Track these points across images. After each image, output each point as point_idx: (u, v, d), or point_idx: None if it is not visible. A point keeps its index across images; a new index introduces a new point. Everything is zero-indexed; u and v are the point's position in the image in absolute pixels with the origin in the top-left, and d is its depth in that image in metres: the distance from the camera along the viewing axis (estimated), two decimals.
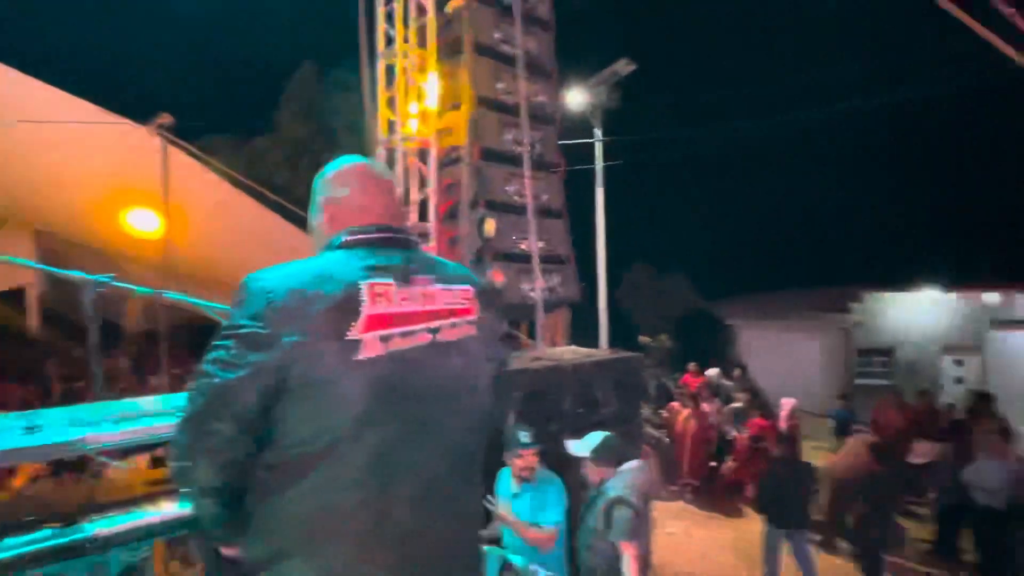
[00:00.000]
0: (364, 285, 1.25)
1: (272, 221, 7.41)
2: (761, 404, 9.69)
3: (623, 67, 10.76)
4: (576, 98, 11.22)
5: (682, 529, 7.45)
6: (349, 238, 1.35)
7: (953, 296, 13.88)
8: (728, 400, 10.33)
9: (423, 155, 5.56)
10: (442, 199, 5.42)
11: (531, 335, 5.85)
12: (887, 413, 8.86)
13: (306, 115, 16.01)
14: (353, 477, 1.20)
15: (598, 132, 13.72)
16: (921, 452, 7.46)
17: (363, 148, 5.94)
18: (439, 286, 1.39)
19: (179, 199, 6.35)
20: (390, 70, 5.72)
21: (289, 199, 6.97)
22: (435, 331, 1.34)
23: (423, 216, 5.53)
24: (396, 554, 1.24)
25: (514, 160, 5.39)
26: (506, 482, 3.69)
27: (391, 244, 1.38)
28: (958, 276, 14.92)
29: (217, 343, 1.21)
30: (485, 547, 2.83)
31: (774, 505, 5.84)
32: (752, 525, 7.69)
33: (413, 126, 5.57)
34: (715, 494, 8.42)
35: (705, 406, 8.84)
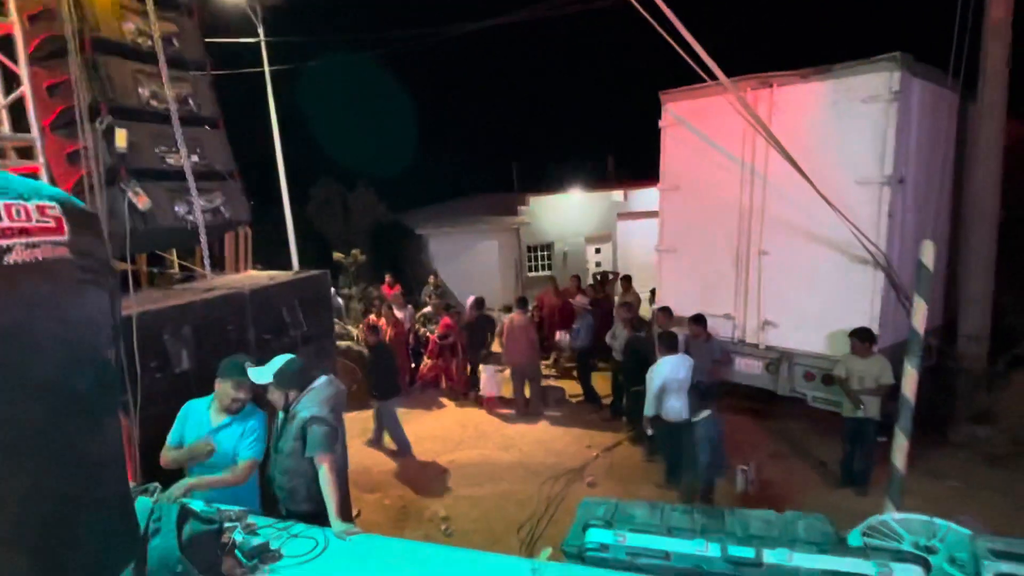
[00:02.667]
0: None
1: None
2: (447, 305, 10.57)
3: None
4: None
5: None
6: None
7: (592, 196, 16.91)
8: (422, 305, 11.01)
9: (6, 45, 4.21)
10: (46, 104, 4.21)
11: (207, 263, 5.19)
12: (547, 297, 10.56)
13: None
14: None
15: (262, 32, 12.43)
16: (580, 303, 9.23)
17: None
18: (1, 201, 1.12)
19: None
20: None
21: None
22: None
23: (20, 126, 4.24)
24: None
25: (141, 56, 4.44)
26: (199, 416, 3.38)
27: None
28: (595, 180, 18.18)
29: None
30: (160, 500, 2.58)
31: (378, 383, 7.07)
32: (450, 412, 8.60)
33: None
34: (415, 391, 9.08)
35: (399, 313, 9.26)
